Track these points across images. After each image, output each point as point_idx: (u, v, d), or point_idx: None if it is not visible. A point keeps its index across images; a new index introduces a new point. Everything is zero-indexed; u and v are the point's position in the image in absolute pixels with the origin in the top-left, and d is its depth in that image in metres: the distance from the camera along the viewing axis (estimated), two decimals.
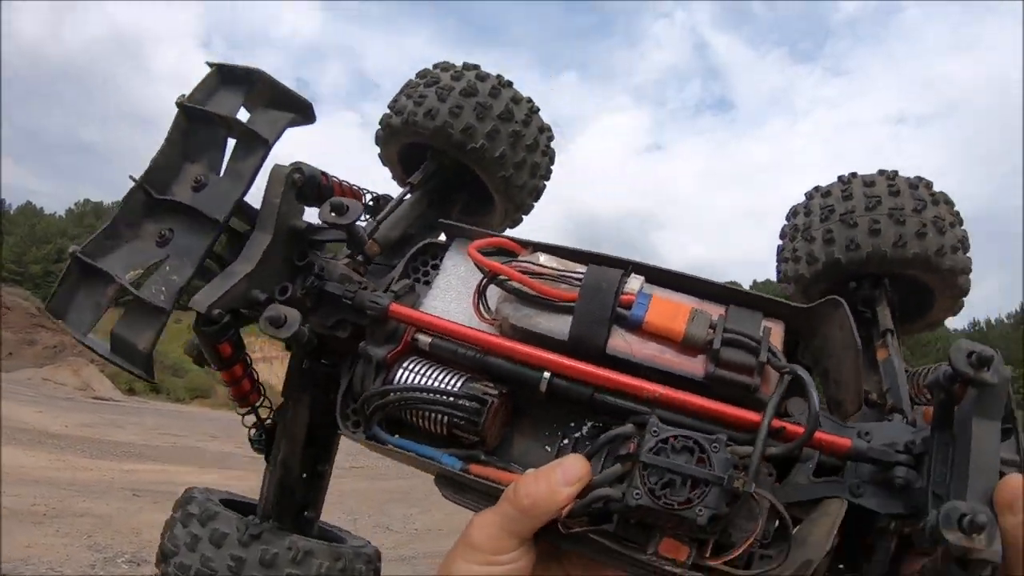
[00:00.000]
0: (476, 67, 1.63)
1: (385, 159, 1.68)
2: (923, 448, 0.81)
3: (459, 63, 1.65)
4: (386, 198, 1.49)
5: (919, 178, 1.54)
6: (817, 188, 1.65)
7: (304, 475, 1.29)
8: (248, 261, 0.99)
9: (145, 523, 8.27)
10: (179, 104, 1.09)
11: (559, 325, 0.84)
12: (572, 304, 0.84)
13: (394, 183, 1.73)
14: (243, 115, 1.11)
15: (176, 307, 1.01)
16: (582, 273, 0.86)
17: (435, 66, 1.66)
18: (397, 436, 0.89)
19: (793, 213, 1.69)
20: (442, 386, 0.86)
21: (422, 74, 1.63)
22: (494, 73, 1.62)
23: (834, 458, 0.82)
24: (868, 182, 1.54)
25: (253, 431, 1.34)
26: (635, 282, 0.86)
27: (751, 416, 0.78)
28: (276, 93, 1.13)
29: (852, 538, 0.80)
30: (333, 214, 1.02)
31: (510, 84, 1.62)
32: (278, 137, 1.09)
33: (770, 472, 0.81)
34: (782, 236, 1.71)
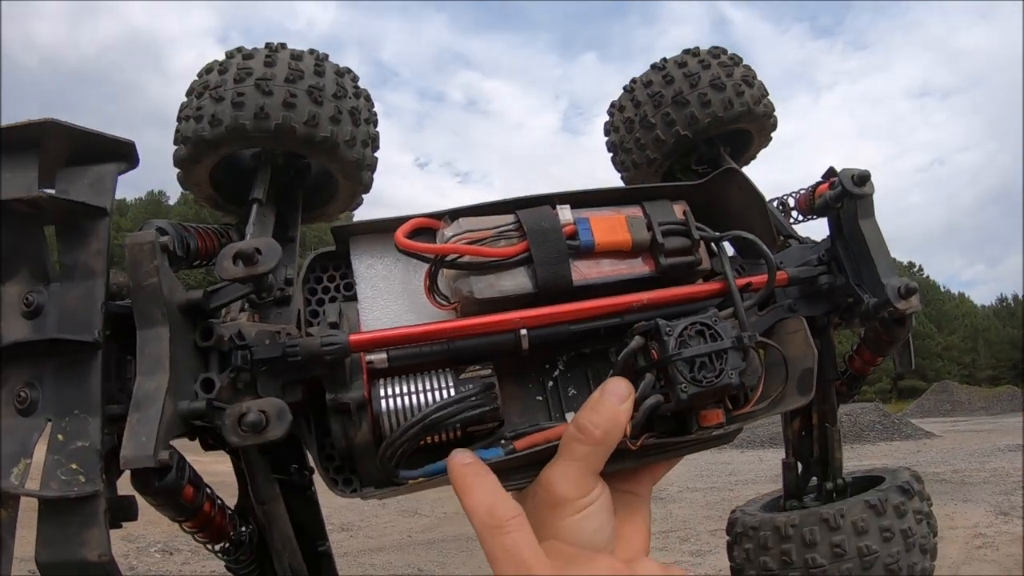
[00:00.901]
0: (283, 45, 1.40)
1: (192, 181, 1.39)
2: (830, 256, 1.04)
3: (260, 47, 1.39)
4: (227, 227, 1.27)
5: (717, 47, 1.77)
6: (635, 80, 1.83)
7: (310, 566, 1.08)
8: (155, 372, 0.69)
9: None
10: None
11: (520, 280, 0.82)
12: (524, 255, 0.82)
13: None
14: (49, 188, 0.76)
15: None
16: (512, 223, 0.84)
17: (230, 55, 1.39)
18: (422, 467, 0.78)
19: (619, 108, 1.87)
20: (438, 393, 0.79)
21: (221, 67, 1.35)
22: (304, 48, 1.41)
23: (768, 291, 0.95)
24: (680, 63, 1.73)
25: (224, 557, 1.05)
26: (566, 212, 0.85)
27: (714, 287, 0.87)
28: (79, 143, 0.76)
29: None
30: (242, 266, 0.76)
31: (327, 57, 1.43)
32: (113, 199, 0.76)
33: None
34: (614, 130, 1.89)
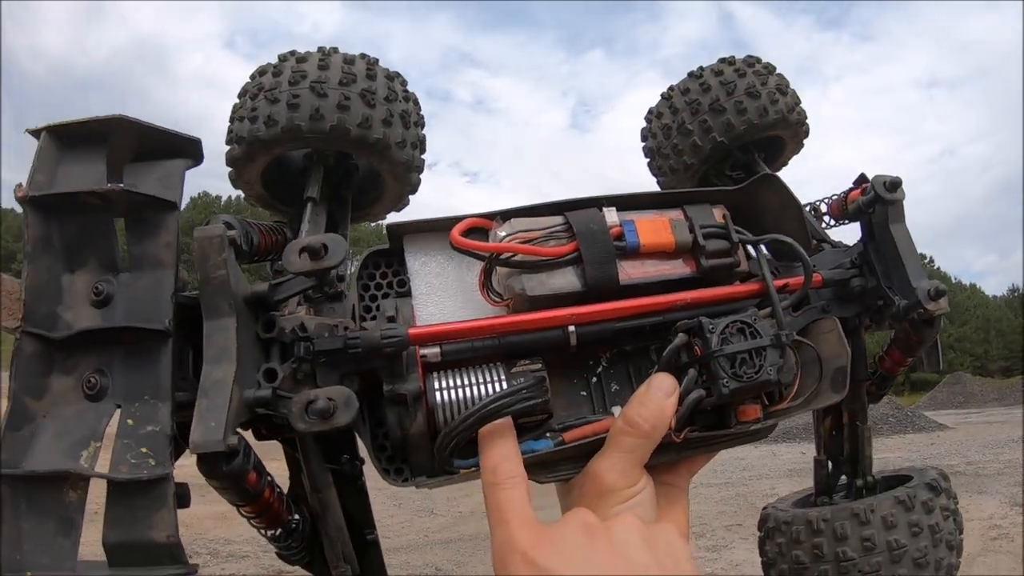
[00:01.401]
0: (336, 49, 1.44)
1: (242, 180, 1.43)
2: (862, 260, 1.10)
3: (313, 50, 1.43)
4: (280, 224, 1.29)
5: (752, 57, 1.83)
6: (672, 88, 1.89)
7: (359, 556, 1.12)
8: (223, 361, 0.71)
9: (193, 516, 8.28)
10: (22, 199, 0.73)
11: (570, 279, 0.84)
12: (574, 255, 0.84)
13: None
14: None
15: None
16: (561, 224, 0.86)
17: (283, 58, 1.43)
18: (472, 457, 0.80)
19: (657, 115, 1.92)
20: (490, 385, 0.82)
21: (275, 70, 1.39)
22: (355, 52, 1.45)
23: (803, 292, 0.97)
24: (717, 71, 1.78)
25: (278, 545, 1.09)
26: (612, 214, 0.88)
27: (753, 287, 0.90)
28: (149, 139, 0.79)
29: None
30: (311, 261, 0.79)
31: (378, 61, 1.46)
32: (181, 194, 0.78)
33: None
34: (651, 137, 1.94)
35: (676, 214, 0.92)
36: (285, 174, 1.47)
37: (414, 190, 1.56)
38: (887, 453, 14.09)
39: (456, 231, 0.83)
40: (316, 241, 0.80)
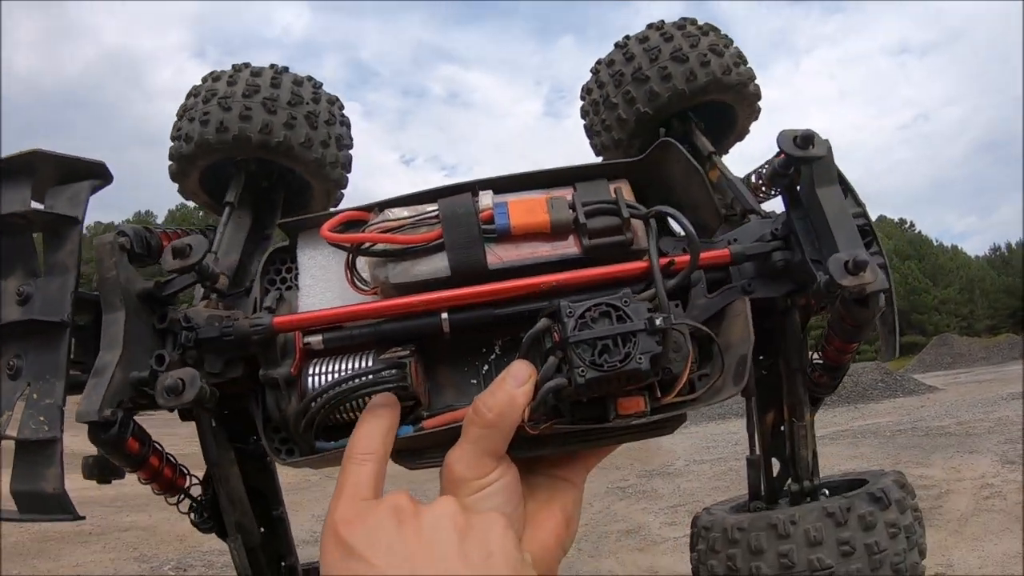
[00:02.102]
0: (247, 65, 1.57)
1: (187, 192, 1.58)
2: (786, 230, 0.94)
3: (227, 67, 1.58)
4: (209, 229, 1.42)
5: (684, 18, 1.70)
6: (599, 61, 1.78)
7: (264, 529, 1.23)
8: (112, 347, 0.86)
9: (188, 530, 8.18)
10: None
11: (437, 265, 0.83)
12: (440, 241, 0.83)
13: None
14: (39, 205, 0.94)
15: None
16: (432, 211, 0.85)
17: (204, 79, 1.57)
18: (337, 440, 0.84)
19: (587, 91, 1.82)
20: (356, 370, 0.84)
21: (194, 92, 1.54)
22: (266, 64, 1.58)
23: (716, 272, 0.90)
24: (642, 38, 1.67)
25: (192, 515, 1.24)
26: (486, 198, 0.85)
27: (639, 266, 0.83)
28: (62, 167, 0.95)
29: (761, 333, 0.85)
30: (177, 260, 0.91)
31: (287, 69, 1.58)
32: (85, 210, 0.94)
33: (676, 304, 0.87)
34: (584, 115, 1.85)
35: (563, 192, 0.88)
36: (222, 182, 1.58)
37: (340, 185, 1.66)
38: (877, 418, 14.20)
39: (326, 226, 0.85)
40: (181, 243, 0.92)
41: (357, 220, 0.87)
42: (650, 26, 1.72)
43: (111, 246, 0.90)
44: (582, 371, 0.71)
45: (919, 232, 68.29)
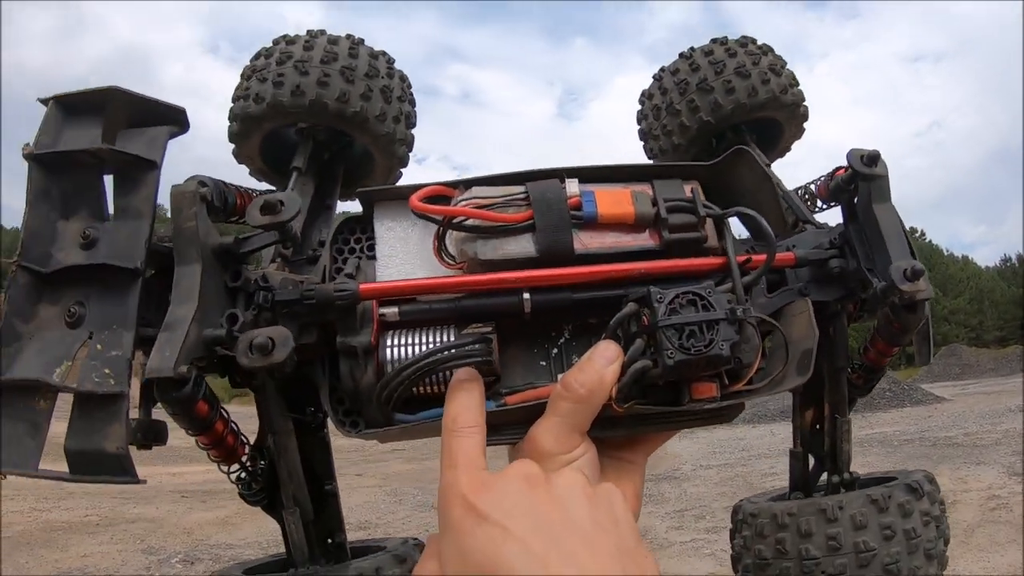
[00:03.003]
0: (322, 31, 1.53)
1: (244, 155, 1.53)
2: (843, 240, 1.01)
3: (302, 32, 1.53)
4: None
5: (746, 37, 1.77)
6: (663, 69, 1.85)
7: (315, 504, 1.18)
8: (187, 301, 0.79)
9: (195, 523, 7.90)
10: (28, 156, 0.84)
11: (524, 246, 0.84)
12: (529, 223, 0.84)
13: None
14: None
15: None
16: (520, 193, 0.86)
17: (276, 42, 1.52)
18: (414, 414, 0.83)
19: (648, 96, 1.89)
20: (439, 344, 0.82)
21: (265, 53, 1.49)
22: (342, 34, 1.54)
23: (775, 274, 0.95)
24: (707, 51, 1.74)
25: (240, 487, 1.18)
26: (573, 185, 0.87)
27: (717, 261, 0.86)
28: (139, 108, 0.89)
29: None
30: (267, 215, 0.86)
31: (363, 40, 1.54)
32: (163, 156, 0.87)
33: (748, 299, 0.88)
34: (642, 119, 1.92)
35: (642, 187, 0.89)
36: (282, 150, 1.54)
37: (403, 163, 1.63)
38: (885, 427, 14.09)
39: (415, 196, 0.85)
40: (273, 198, 0.86)
41: (443, 195, 0.87)
42: (714, 41, 1.78)
43: (192, 195, 0.84)
44: (671, 353, 0.74)
45: (930, 241, 67.52)
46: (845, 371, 1.47)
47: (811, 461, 1.68)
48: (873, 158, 1.00)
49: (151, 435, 0.88)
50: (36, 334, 0.81)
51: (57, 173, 0.86)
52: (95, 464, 0.77)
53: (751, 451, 11.98)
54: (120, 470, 0.77)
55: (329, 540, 1.23)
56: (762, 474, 9.83)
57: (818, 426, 1.62)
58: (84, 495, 8.82)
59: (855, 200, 1.04)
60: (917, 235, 65.38)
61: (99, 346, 0.79)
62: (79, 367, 0.78)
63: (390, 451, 12.43)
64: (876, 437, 12.57)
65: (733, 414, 0.83)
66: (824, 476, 1.64)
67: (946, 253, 64.62)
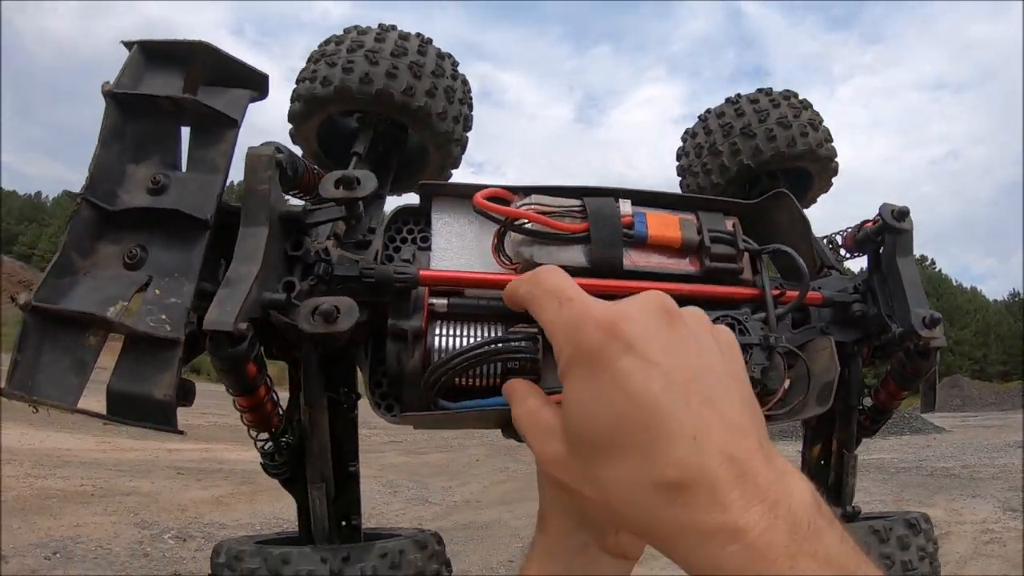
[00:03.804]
0: (393, 26, 1.55)
1: (302, 136, 1.54)
2: (866, 287, 1.09)
3: (374, 25, 1.54)
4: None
5: (789, 91, 1.86)
6: (709, 111, 1.93)
7: (337, 483, 1.15)
8: (250, 261, 0.78)
9: (190, 500, 7.79)
10: (107, 93, 0.82)
11: (577, 255, 0.87)
12: (584, 234, 0.87)
13: None
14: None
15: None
16: (578, 206, 0.89)
17: (346, 31, 1.54)
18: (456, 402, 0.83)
19: (692, 135, 1.96)
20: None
21: (336, 40, 1.50)
22: (412, 31, 1.56)
23: (799, 313, 0.99)
24: (753, 99, 1.81)
25: (265, 459, 1.15)
26: (626, 205, 0.91)
27: (752, 291, 0.91)
28: (223, 67, 0.90)
29: None
30: (341, 189, 0.86)
31: (431, 41, 1.56)
32: (243, 117, 0.87)
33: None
34: (682, 155, 1.99)
35: (689, 216, 0.93)
36: (337, 136, 1.57)
37: (456, 164, 1.65)
38: (883, 454, 13.98)
39: (480, 195, 0.87)
40: (351, 173, 0.87)
41: (504, 198, 0.90)
42: (760, 90, 1.85)
43: (269, 159, 0.83)
44: None
45: (939, 270, 67.34)
46: (856, 409, 1.53)
47: None
48: (903, 213, 1.07)
49: (180, 393, 0.85)
50: (92, 271, 0.78)
51: (134, 115, 0.85)
52: (139, 408, 0.74)
53: None
54: (163, 418, 0.74)
55: (344, 523, 1.21)
56: None
57: (822, 461, 1.67)
58: (80, 464, 8.83)
59: (880, 250, 1.11)
60: (927, 264, 64.98)
61: (157, 291, 0.77)
62: (135, 308, 0.76)
63: (388, 442, 12.41)
64: (874, 463, 12.47)
65: None
66: None
67: (955, 283, 64.16)
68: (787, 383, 0.85)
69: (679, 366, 0.54)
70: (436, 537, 1.16)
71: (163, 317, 0.75)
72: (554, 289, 0.62)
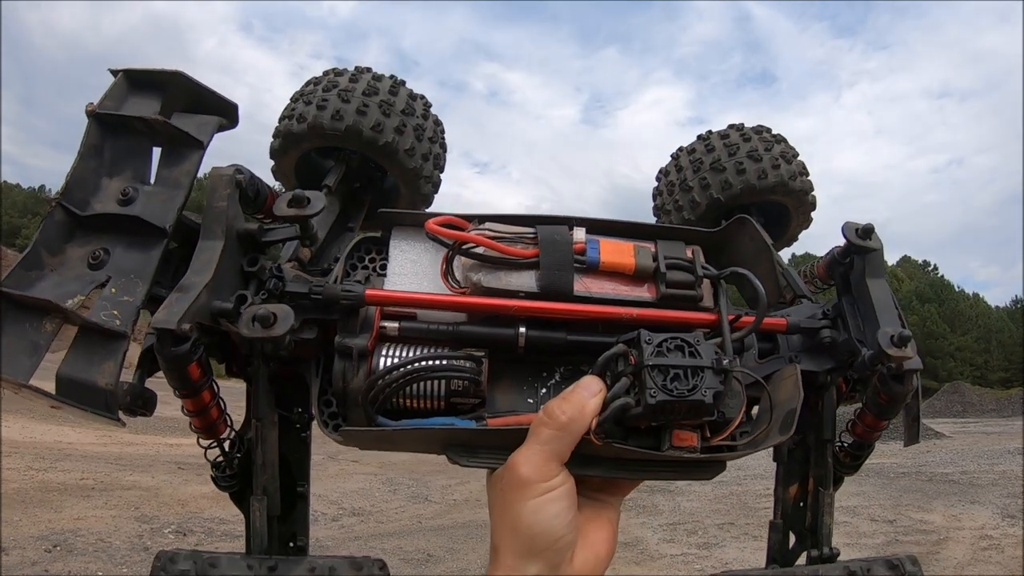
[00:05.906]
0: (368, 69, 1.64)
1: (280, 172, 1.61)
2: (836, 312, 1.02)
3: (350, 67, 1.65)
4: None
5: (761, 125, 1.85)
6: (681, 148, 1.92)
7: (284, 502, 1.14)
8: (203, 271, 0.83)
9: (190, 495, 7.74)
10: (90, 113, 0.90)
11: (527, 280, 0.87)
12: (535, 259, 0.87)
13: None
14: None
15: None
16: (530, 233, 0.89)
17: (325, 73, 1.64)
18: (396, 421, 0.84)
19: (664, 173, 1.94)
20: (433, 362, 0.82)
21: (315, 81, 1.59)
22: (386, 74, 1.65)
23: (766, 343, 0.98)
24: (723, 135, 1.80)
25: (214, 470, 1.14)
26: (580, 233, 0.90)
27: (708, 317, 0.89)
28: (197, 95, 0.96)
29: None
30: (293, 208, 0.89)
31: (404, 83, 1.64)
32: (209, 141, 0.93)
33: (736, 355, 0.89)
34: (657, 195, 1.98)
35: (646, 244, 0.93)
36: (315, 174, 1.63)
37: (427, 202, 1.70)
38: (882, 459, 13.95)
39: (432, 221, 0.88)
40: (301, 193, 0.90)
41: (458, 225, 0.90)
42: (731, 126, 1.86)
43: (229, 178, 0.89)
44: (653, 392, 0.74)
45: (942, 276, 66.96)
46: (831, 444, 1.43)
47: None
48: (868, 231, 1.00)
49: (140, 402, 0.91)
50: (58, 268, 0.84)
51: (112, 134, 0.91)
52: (82, 393, 0.79)
53: (746, 471, 11.87)
54: (104, 405, 0.78)
55: (291, 544, 1.20)
56: (757, 495, 9.73)
57: (800, 503, 1.57)
58: (81, 458, 8.86)
59: (849, 274, 1.04)
60: (930, 269, 64.85)
61: (113, 290, 0.83)
62: (91, 303, 0.81)
63: None
64: (873, 468, 12.40)
65: (713, 472, 0.83)
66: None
67: (957, 289, 63.88)
68: (744, 410, 0.83)
69: None
70: (379, 563, 1.13)
71: (115, 312, 0.81)
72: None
